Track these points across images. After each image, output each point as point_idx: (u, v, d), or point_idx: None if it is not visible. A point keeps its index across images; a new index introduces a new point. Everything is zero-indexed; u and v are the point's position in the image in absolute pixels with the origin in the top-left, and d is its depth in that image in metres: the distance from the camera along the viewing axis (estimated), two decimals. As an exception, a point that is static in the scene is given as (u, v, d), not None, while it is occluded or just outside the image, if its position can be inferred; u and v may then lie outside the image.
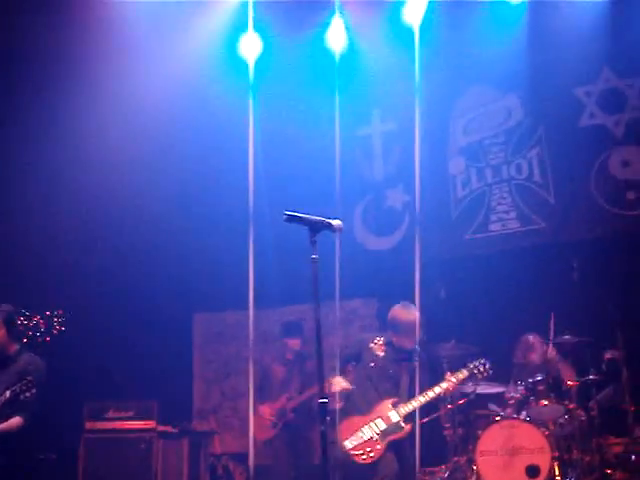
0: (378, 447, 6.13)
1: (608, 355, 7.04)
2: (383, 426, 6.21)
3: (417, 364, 6.35)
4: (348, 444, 6.15)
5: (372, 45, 8.86)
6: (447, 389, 6.34)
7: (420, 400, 6.26)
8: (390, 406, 6.27)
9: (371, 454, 6.11)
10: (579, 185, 8.35)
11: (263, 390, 7.34)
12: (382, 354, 6.38)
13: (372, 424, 6.21)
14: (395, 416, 6.23)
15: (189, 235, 9.12)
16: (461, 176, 9.11)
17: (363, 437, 6.16)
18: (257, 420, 7.31)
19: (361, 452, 6.11)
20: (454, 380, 6.38)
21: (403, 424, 6.21)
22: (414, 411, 6.24)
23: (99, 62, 8.21)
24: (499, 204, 8.83)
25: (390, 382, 6.38)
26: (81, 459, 8.15)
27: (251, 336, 7.18)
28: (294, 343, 7.49)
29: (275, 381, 7.10)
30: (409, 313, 6.45)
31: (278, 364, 7.45)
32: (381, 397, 6.34)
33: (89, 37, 8.01)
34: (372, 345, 6.40)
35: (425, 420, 7.10)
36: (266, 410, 7.13)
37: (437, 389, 6.30)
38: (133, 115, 8.47)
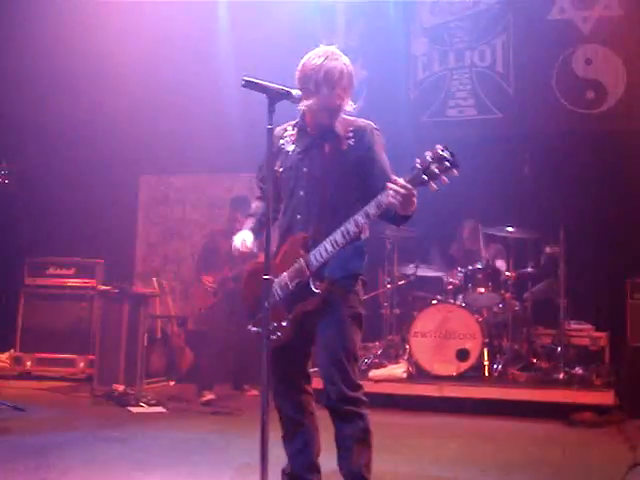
0: (284, 323, 3.60)
1: (548, 250, 7.18)
2: (286, 284, 3.60)
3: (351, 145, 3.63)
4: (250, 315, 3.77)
5: None
6: (390, 202, 3.32)
7: (345, 233, 3.46)
8: (300, 248, 3.58)
9: (278, 333, 3.59)
10: (540, 79, 8.29)
11: (208, 260, 7.35)
12: (292, 147, 3.74)
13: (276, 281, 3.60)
14: (303, 267, 3.55)
15: (145, 97, 8.86)
16: (423, 58, 8.93)
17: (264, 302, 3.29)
18: (199, 288, 7.35)
19: (265, 329, 3.29)
20: (399, 187, 3.29)
21: (314, 286, 3.52)
22: (334, 252, 3.49)
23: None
24: (458, 90, 8.72)
25: (308, 188, 3.65)
26: (20, 314, 8.17)
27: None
28: (243, 218, 7.42)
29: (221, 252, 7.08)
30: (320, 58, 3.60)
31: (226, 237, 7.41)
32: (292, 227, 3.69)
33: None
34: (281, 140, 3.78)
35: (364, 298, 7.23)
36: (209, 279, 7.16)
37: (373, 206, 3.40)
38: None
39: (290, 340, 3.62)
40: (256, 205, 4.04)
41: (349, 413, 3.54)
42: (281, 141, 3.79)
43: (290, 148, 3.76)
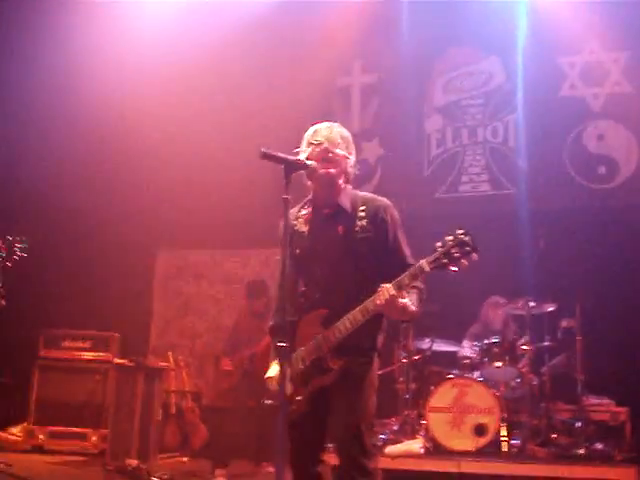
0: (298, 397, 3.62)
1: (564, 324, 7.16)
2: (303, 359, 3.63)
3: (363, 225, 3.66)
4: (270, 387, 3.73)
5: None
6: (375, 307, 3.46)
7: (364, 311, 3.50)
8: (319, 325, 3.61)
9: (293, 406, 3.60)
10: (552, 154, 8.41)
11: (232, 342, 7.36)
12: (307, 227, 3.76)
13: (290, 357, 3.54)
14: (321, 343, 3.60)
15: (160, 173, 9.02)
16: (436, 134, 9.09)
17: (277, 379, 3.50)
18: (217, 370, 7.34)
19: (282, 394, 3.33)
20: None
21: (331, 362, 3.57)
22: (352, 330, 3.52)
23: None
24: (471, 166, 8.85)
25: (324, 269, 3.68)
26: (34, 386, 8.13)
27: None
28: (259, 305, 7.37)
29: (242, 334, 7.11)
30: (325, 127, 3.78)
31: (247, 318, 7.43)
32: (310, 305, 3.68)
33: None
34: (295, 222, 3.76)
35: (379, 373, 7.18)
36: (226, 362, 7.17)
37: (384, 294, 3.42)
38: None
39: (306, 412, 3.62)
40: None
41: None
42: (295, 223, 3.76)
43: (304, 229, 3.76)
